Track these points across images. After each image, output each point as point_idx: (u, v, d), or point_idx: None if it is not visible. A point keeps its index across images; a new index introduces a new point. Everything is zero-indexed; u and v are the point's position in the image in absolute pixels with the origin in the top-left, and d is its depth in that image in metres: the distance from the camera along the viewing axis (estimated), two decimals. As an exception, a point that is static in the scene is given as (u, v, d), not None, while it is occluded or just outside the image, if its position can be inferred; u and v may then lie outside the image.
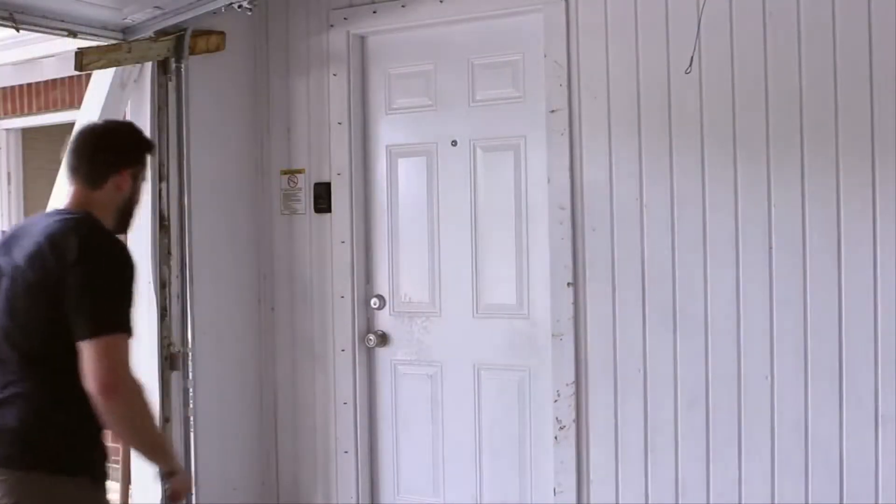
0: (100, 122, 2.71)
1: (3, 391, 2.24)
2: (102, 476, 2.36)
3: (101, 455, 2.34)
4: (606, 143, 3.46)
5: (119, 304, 2.19)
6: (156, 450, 2.36)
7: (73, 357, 2.15)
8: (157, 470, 2.37)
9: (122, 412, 2.17)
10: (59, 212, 2.37)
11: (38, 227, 2.28)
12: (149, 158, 2.52)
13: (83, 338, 2.12)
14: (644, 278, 3.40)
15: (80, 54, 3.45)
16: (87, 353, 2.11)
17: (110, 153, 2.41)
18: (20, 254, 2.25)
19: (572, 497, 3.53)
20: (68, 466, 2.24)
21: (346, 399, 4.00)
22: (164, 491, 2.41)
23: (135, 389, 2.18)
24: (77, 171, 2.39)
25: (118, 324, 2.17)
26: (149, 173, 2.58)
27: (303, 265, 4.10)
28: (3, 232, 2.66)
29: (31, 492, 2.20)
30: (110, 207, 2.40)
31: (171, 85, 3.75)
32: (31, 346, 2.22)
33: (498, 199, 3.76)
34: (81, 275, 2.15)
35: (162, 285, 3.73)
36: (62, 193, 2.46)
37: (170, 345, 3.72)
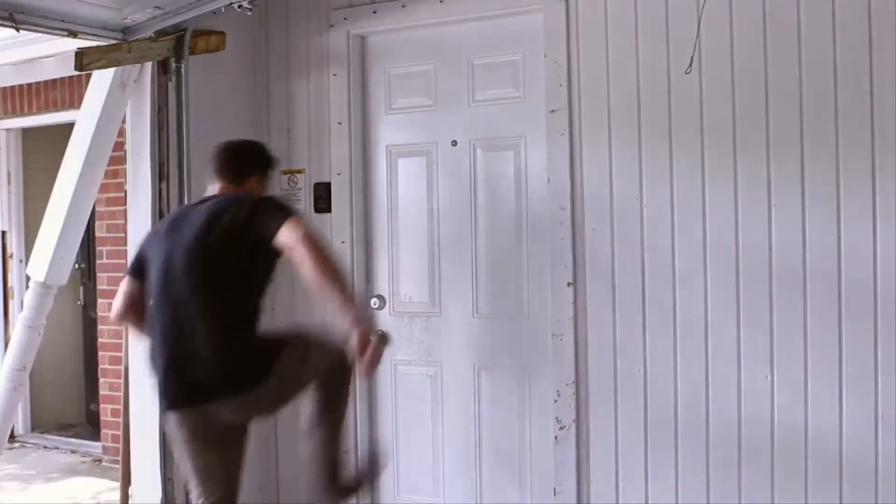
0: (245, 139, 3.41)
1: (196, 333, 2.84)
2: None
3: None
4: (606, 143, 3.46)
5: (290, 209, 2.88)
6: (345, 283, 2.80)
7: (249, 298, 2.88)
8: (347, 314, 2.76)
9: (317, 251, 2.72)
10: (211, 197, 3.03)
11: (201, 208, 2.96)
12: (273, 171, 3.25)
13: (280, 225, 2.75)
14: (644, 278, 3.40)
15: (80, 54, 3.45)
16: (286, 230, 2.74)
17: (249, 163, 3.14)
18: (191, 228, 2.89)
19: (572, 497, 3.53)
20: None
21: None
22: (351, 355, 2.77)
23: (322, 239, 2.79)
24: (223, 172, 3.08)
25: (295, 213, 2.86)
26: (274, 181, 3.27)
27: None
28: (158, 224, 3.46)
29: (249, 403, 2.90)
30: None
31: (171, 85, 3.75)
32: (216, 291, 2.86)
33: (498, 199, 3.76)
34: (263, 209, 2.87)
35: (162, 285, 3.73)
36: (215, 186, 3.08)
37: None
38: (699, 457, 3.32)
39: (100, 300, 5.98)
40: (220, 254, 2.85)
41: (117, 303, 3.10)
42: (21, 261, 6.34)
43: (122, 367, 4.09)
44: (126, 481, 4.05)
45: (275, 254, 2.84)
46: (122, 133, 3.92)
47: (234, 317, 2.86)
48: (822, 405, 3.13)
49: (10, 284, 6.46)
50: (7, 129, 6.52)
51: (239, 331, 2.86)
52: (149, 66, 3.70)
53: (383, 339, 2.88)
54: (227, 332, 2.83)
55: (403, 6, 3.84)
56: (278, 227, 2.75)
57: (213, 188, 3.08)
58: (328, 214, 4.02)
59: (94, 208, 4.28)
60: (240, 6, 3.52)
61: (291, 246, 2.73)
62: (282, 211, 2.84)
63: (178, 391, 2.87)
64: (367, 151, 4.04)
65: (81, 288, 6.73)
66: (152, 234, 3.24)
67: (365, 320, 2.81)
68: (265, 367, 2.84)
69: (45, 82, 6.01)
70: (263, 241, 2.78)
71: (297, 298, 4.11)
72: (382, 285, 4.01)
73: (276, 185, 4.12)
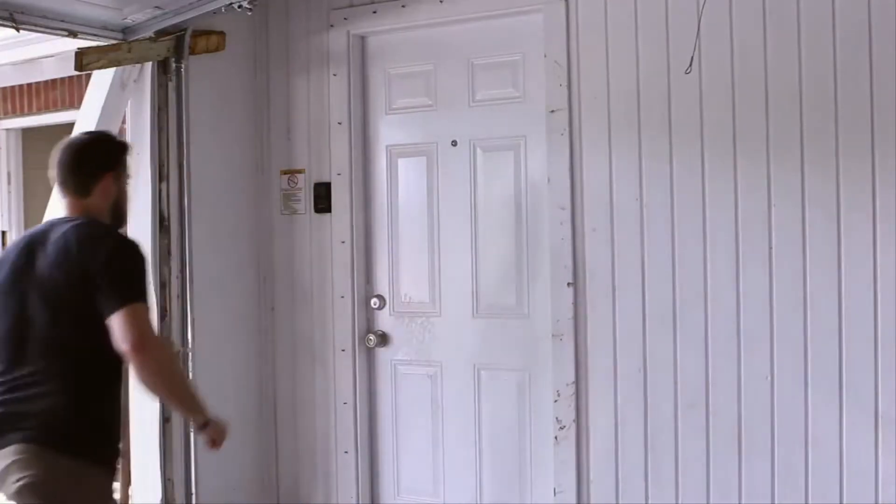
0: (75, 137, 2.92)
1: (30, 381, 2.48)
2: (113, 471, 2.63)
3: (116, 450, 2.64)
4: (606, 143, 3.45)
5: (137, 282, 2.51)
6: (186, 400, 2.63)
7: (97, 355, 2.47)
8: (192, 422, 2.67)
9: (152, 366, 2.46)
10: (66, 219, 2.61)
11: (56, 234, 2.54)
12: (126, 159, 2.77)
13: (112, 311, 2.41)
14: (644, 278, 3.40)
15: (80, 54, 3.45)
16: (117, 322, 2.40)
17: (90, 164, 2.67)
18: (45, 259, 2.52)
19: (572, 497, 3.53)
20: (89, 453, 2.48)
21: (346, 399, 4.00)
22: (204, 441, 2.69)
23: (161, 346, 2.57)
24: (66, 184, 2.65)
25: (139, 295, 2.48)
26: (131, 170, 2.82)
27: (303, 265, 4.10)
28: (14, 240, 2.99)
29: (51, 466, 2.43)
30: (103, 208, 2.66)
31: (171, 85, 3.75)
32: (62, 341, 2.49)
33: (498, 199, 3.76)
34: (105, 267, 2.46)
35: (162, 285, 3.73)
36: (58, 204, 2.72)
37: (170, 345, 3.71)
38: (699, 457, 3.32)
39: (100, 300, 5.97)
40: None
41: None
42: (21, 261, 6.32)
43: (121, 368, 4.09)
44: (126, 481, 4.05)
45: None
46: (122, 133, 3.91)
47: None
48: (822, 405, 3.13)
49: (10, 284, 6.45)
50: (7, 129, 6.52)
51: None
52: (149, 66, 3.70)
53: (218, 425, 2.68)
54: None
55: (403, 6, 3.84)
56: (112, 311, 2.41)
57: (64, 202, 2.67)
58: (328, 214, 4.02)
59: (94, 208, 4.27)
60: (240, 6, 3.51)
61: (123, 351, 2.41)
62: (121, 286, 2.45)
63: None
64: (367, 151, 4.03)
65: (81, 288, 6.72)
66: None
67: (212, 423, 2.64)
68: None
69: (45, 82, 6.01)
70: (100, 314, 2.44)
71: (297, 298, 4.11)
72: (382, 285, 4.00)
73: (277, 185, 4.13)
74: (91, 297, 2.44)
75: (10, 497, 2.45)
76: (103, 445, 2.55)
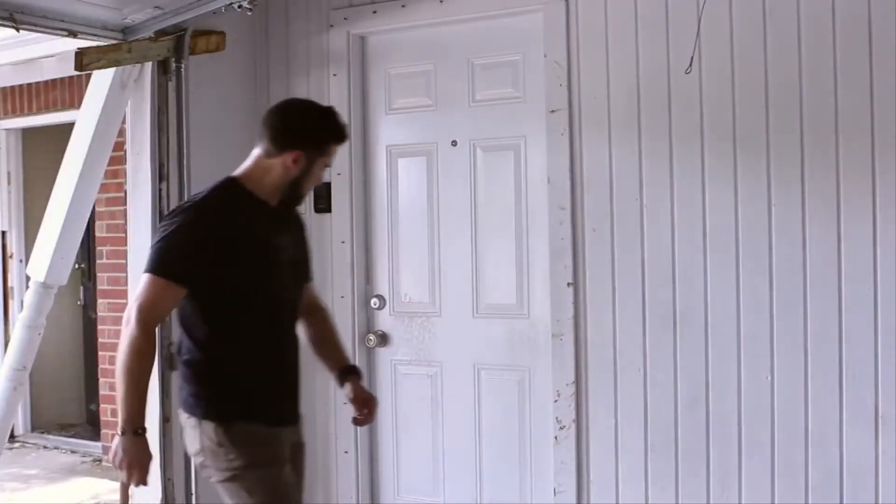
0: (301, 99, 3.01)
1: None
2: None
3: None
4: (606, 143, 3.46)
5: (160, 253, 2.48)
6: (122, 390, 2.47)
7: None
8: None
9: (122, 340, 2.44)
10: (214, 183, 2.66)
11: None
12: (336, 147, 2.72)
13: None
14: (644, 278, 3.40)
15: (80, 54, 3.45)
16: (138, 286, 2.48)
17: (292, 133, 2.62)
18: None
19: (572, 497, 3.53)
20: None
21: (345, 399, 3.98)
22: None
23: (143, 329, 2.44)
24: (261, 136, 2.64)
25: (155, 267, 2.47)
26: (333, 161, 2.80)
27: (303, 265, 4.09)
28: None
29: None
30: (276, 179, 2.63)
31: (171, 85, 3.75)
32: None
33: (498, 199, 3.76)
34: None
35: (162, 285, 3.73)
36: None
37: (170, 344, 3.71)
38: (699, 457, 3.32)
39: (100, 300, 5.98)
40: None
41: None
42: (21, 261, 6.34)
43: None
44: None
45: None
46: (122, 133, 3.92)
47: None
48: (822, 405, 3.13)
49: (10, 284, 6.47)
50: (7, 129, 6.53)
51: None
52: (149, 66, 3.70)
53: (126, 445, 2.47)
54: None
55: (403, 6, 3.84)
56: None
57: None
58: (328, 214, 4.02)
59: (94, 208, 4.27)
60: (240, 6, 3.51)
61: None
62: (148, 256, 2.51)
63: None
64: (367, 151, 4.03)
65: (81, 288, 6.74)
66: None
67: (128, 436, 2.45)
68: None
69: (45, 82, 6.02)
70: None
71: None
72: (382, 285, 4.00)
73: (276, 185, 4.13)
74: None
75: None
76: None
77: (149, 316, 2.47)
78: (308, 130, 2.65)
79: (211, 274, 2.50)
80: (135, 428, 2.46)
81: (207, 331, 2.58)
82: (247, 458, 2.52)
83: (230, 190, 2.63)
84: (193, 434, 2.59)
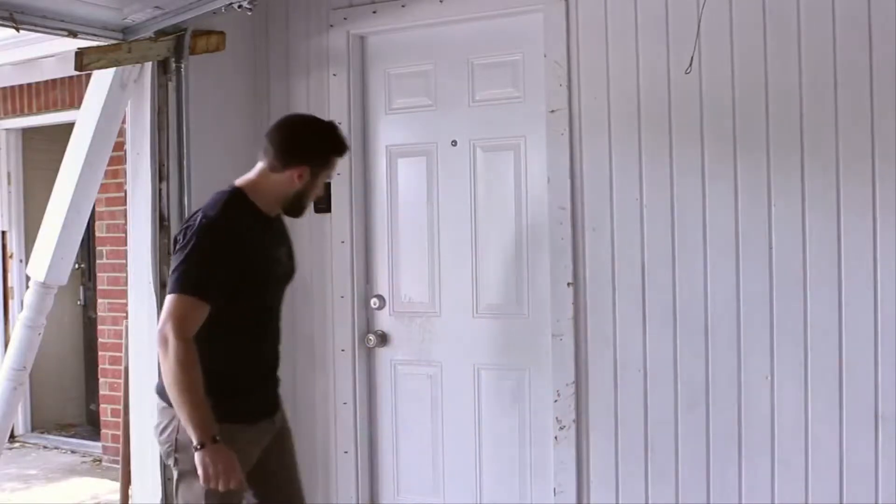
0: (303, 115, 3.08)
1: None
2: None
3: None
4: (606, 143, 3.46)
5: (188, 270, 2.54)
6: (184, 408, 2.50)
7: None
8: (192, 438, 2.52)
9: (163, 364, 2.49)
10: (219, 191, 2.74)
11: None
12: (339, 160, 2.83)
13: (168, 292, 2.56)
14: (644, 278, 3.40)
15: (80, 54, 3.45)
16: (165, 303, 2.54)
17: (297, 149, 2.73)
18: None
19: (572, 497, 3.53)
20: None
21: (345, 399, 4.00)
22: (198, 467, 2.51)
23: (180, 347, 2.47)
24: (266, 152, 2.74)
25: (182, 286, 2.53)
26: (334, 173, 2.93)
27: (302, 265, 4.06)
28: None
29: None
30: (280, 193, 2.75)
31: (171, 85, 3.75)
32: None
33: (498, 199, 3.76)
34: (177, 245, 2.63)
35: (162, 285, 3.72)
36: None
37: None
38: (699, 457, 3.32)
39: (100, 300, 5.99)
40: None
41: None
42: (21, 261, 6.35)
43: (122, 367, 4.10)
44: (126, 481, 4.06)
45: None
46: (122, 133, 3.92)
47: None
48: (821, 405, 3.13)
49: (10, 284, 6.48)
50: (7, 129, 6.54)
51: None
52: (149, 66, 3.70)
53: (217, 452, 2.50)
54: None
55: (403, 6, 3.84)
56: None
57: (257, 165, 2.84)
58: (328, 214, 4.02)
59: (94, 208, 4.27)
60: (240, 6, 3.51)
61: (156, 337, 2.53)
62: (171, 275, 2.60)
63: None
64: (367, 151, 4.03)
65: (81, 288, 6.74)
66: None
67: (208, 448, 2.49)
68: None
69: (45, 82, 6.03)
70: None
71: (297, 298, 4.11)
72: (382, 285, 4.01)
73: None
74: None
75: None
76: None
77: (185, 329, 2.52)
78: (313, 147, 2.76)
79: (225, 287, 2.60)
80: (211, 437, 2.50)
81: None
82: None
83: (238, 204, 2.72)
84: (167, 421, 2.68)
